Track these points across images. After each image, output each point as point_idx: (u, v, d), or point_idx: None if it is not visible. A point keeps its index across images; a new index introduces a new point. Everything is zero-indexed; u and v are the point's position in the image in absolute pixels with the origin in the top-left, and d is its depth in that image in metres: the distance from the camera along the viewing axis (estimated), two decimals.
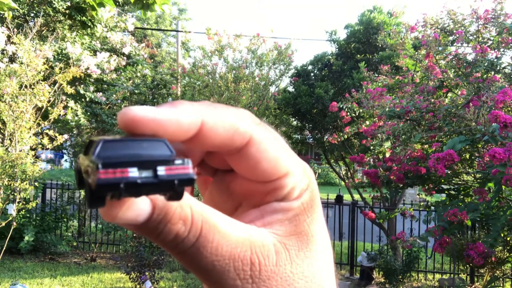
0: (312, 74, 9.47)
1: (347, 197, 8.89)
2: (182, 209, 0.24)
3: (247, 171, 0.27)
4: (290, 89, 9.85)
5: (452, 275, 6.81)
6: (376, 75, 6.54)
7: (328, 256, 0.30)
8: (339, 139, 6.71)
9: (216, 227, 0.25)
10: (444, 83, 4.80)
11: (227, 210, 0.30)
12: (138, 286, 5.31)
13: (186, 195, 0.25)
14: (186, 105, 0.25)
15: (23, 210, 5.96)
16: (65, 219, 8.11)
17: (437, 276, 7.40)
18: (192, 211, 0.25)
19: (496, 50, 4.38)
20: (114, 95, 8.50)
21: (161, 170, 0.22)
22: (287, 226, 0.27)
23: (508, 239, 4.66)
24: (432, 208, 4.89)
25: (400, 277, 6.64)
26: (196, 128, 0.24)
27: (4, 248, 6.02)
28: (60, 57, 7.02)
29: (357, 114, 6.43)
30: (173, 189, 0.22)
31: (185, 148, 0.29)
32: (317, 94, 8.29)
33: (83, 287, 6.20)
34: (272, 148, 0.27)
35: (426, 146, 4.85)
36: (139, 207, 0.23)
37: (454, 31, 4.60)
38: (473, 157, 4.65)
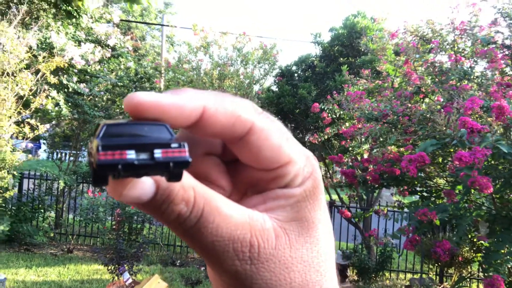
0: (296, 74, 9.61)
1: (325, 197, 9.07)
2: (185, 190, 0.25)
3: (249, 158, 0.28)
4: (274, 88, 9.97)
5: (423, 275, 7.07)
6: (357, 78, 6.73)
7: (329, 243, 0.31)
8: (319, 140, 6.87)
9: (218, 209, 0.26)
10: (422, 89, 5.01)
11: (233, 198, 0.31)
12: (116, 277, 5.33)
13: (190, 177, 0.26)
14: (190, 92, 0.26)
15: (0, 199, 5.89)
16: (42, 210, 8.00)
17: (409, 275, 7.66)
18: (195, 193, 0.26)
19: (470, 59, 4.60)
20: (96, 87, 8.44)
21: (158, 153, 0.23)
22: (289, 212, 0.28)
23: (475, 240, 4.90)
24: (406, 209, 5.09)
25: (373, 275, 6.85)
26: (198, 114, 0.25)
27: None
28: (43, 46, 6.94)
29: (337, 116, 6.60)
30: (169, 170, 0.23)
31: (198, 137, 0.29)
32: (300, 94, 8.43)
33: (59, 278, 6.17)
34: (274, 137, 0.27)
35: (402, 149, 5.05)
36: (143, 187, 0.24)
37: (432, 40, 4.80)
38: (445, 161, 4.86)
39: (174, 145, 0.24)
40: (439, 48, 4.67)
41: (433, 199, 4.84)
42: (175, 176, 0.24)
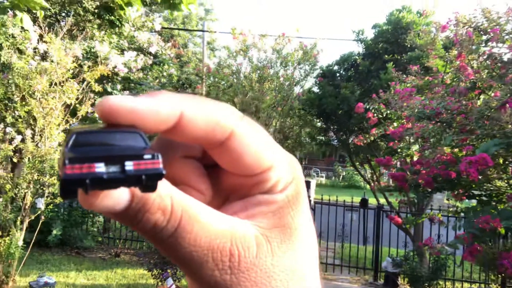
0: (337, 74, 9.34)
1: (372, 201, 8.71)
2: (162, 199, 0.24)
3: (230, 164, 0.27)
4: (315, 89, 9.75)
5: (482, 285, 6.55)
6: (405, 76, 6.36)
7: (312, 250, 0.30)
8: (364, 141, 6.59)
9: (196, 217, 0.25)
10: (477, 84, 4.61)
11: (214, 205, 0.30)
12: (160, 283, 5.35)
13: (168, 185, 0.25)
14: (166, 96, 0.25)
15: (51, 205, 6.11)
16: (91, 215, 8.29)
17: (466, 285, 7.13)
18: (172, 201, 0.25)
19: None
20: (140, 94, 8.63)
21: (129, 165, 0.22)
22: (270, 219, 0.28)
23: None
24: (462, 214, 4.71)
25: (427, 284, 6.45)
26: (174, 119, 0.24)
27: (33, 241, 6.19)
28: (88, 56, 7.17)
29: (384, 116, 6.27)
30: (141, 184, 0.22)
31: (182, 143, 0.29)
32: (342, 95, 8.16)
33: (107, 282, 6.31)
34: (255, 142, 0.27)
35: (456, 149, 4.68)
36: (117, 196, 0.23)
37: (489, 30, 4.40)
38: (507, 162, 4.44)
39: (147, 156, 0.22)
40: (497, 38, 4.26)
41: (494, 203, 4.44)
42: (149, 188, 0.23)
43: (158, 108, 0.24)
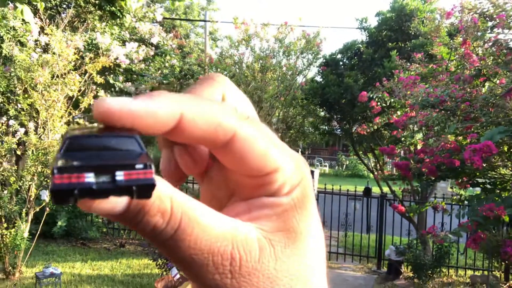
0: (341, 63, 9.25)
1: (375, 190, 8.71)
2: (161, 201, 0.24)
3: (233, 165, 0.27)
4: (318, 78, 9.68)
5: (485, 272, 6.56)
6: (409, 63, 6.29)
7: (319, 255, 0.29)
8: (368, 130, 6.55)
9: (197, 220, 0.24)
10: (482, 72, 4.56)
11: (222, 197, 0.30)
12: (164, 272, 5.39)
13: (168, 186, 0.24)
14: (164, 97, 0.24)
15: None
16: None
17: (469, 272, 7.15)
18: (172, 204, 0.24)
19: None
20: (143, 85, 8.61)
21: (120, 175, 0.22)
22: (275, 222, 0.27)
23: None
24: (466, 202, 4.69)
25: (430, 272, 6.46)
26: (174, 121, 0.24)
27: (39, 232, 6.25)
28: (90, 47, 7.14)
29: (387, 104, 6.22)
30: (131, 194, 0.22)
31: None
32: (346, 83, 8.10)
33: (112, 272, 6.37)
34: (259, 144, 0.26)
35: (460, 137, 4.64)
36: (114, 200, 0.22)
37: (495, 16, 4.33)
38: (511, 150, 4.41)
39: (138, 166, 0.22)
40: (503, 24, 4.19)
41: (498, 191, 4.42)
42: (144, 196, 0.22)
43: (156, 110, 0.23)
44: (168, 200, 0.24)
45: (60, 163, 0.21)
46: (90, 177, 0.21)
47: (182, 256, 0.25)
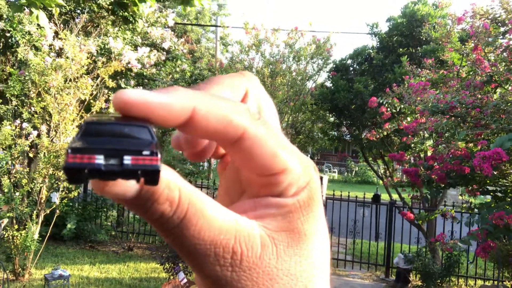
0: (351, 68, 9.23)
1: (384, 197, 8.63)
2: (170, 190, 0.25)
3: (243, 163, 0.28)
4: (328, 84, 9.66)
5: (495, 282, 6.44)
6: (419, 69, 6.25)
7: (323, 258, 0.29)
8: (378, 136, 6.50)
9: (202, 211, 0.25)
10: (493, 78, 4.51)
11: (234, 193, 0.31)
12: (171, 276, 5.40)
13: (178, 177, 0.25)
14: (180, 91, 0.25)
15: (66, 199, 6.22)
16: (105, 209, 8.41)
17: (479, 282, 7.03)
18: (180, 193, 0.25)
19: None
20: (154, 90, 8.68)
21: (127, 160, 0.23)
22: (279, 222, 0.27)
23: None
24: (476, 210, 4.63)
25: (439, 281, 6.37)
26: (187, 114, 0.25)
27: (48, 234, 6.32)
28: (102, 52, 7.24)
29: (397, 110, 6.18)
30: (137, 178, 0.23)
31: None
32: (356, 89, 8.07)
33: (119, 275, 6.41)
34: (268, 144, 0.26)
35: (470, 144, 4.58)
36: (127, 184, 0.24)
37: (507, 21, 4.29)
38: None
39: (145, 152, 0.23)
40: None
41: (509, 199, 4.35)
42: (150, 182, 0.24)
43: (170, 103, 0.24)
44: (177, 189, 0.25)
45: (74, 144, 0.23)
46: (100, 159, 0.23)
47: (186, 245, 0.26)
